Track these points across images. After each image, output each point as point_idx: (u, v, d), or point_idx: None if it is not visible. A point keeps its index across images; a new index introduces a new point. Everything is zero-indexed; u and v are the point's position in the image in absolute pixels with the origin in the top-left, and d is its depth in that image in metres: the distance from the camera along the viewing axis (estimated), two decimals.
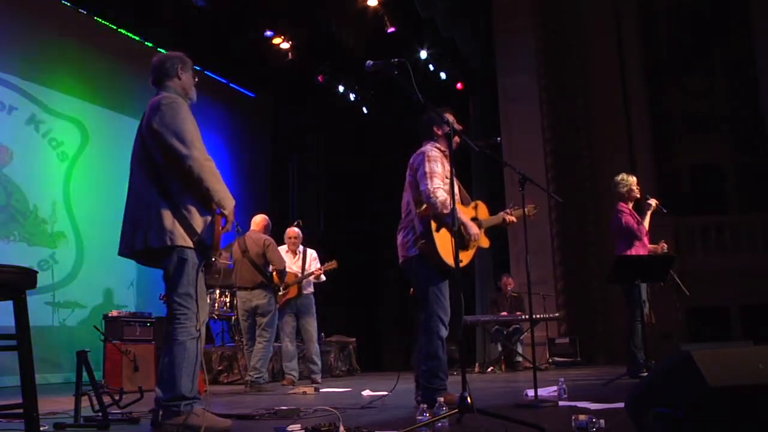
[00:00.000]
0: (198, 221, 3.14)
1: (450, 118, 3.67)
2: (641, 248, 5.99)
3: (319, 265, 6.99)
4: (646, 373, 5.25)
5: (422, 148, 3.97)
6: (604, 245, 10.20)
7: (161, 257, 3.15)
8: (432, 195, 3.71)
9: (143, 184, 3.18)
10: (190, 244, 3.12)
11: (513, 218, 4.21)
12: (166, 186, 3.13)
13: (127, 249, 3.19)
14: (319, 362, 6.85)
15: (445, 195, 3.70)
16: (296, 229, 7.11)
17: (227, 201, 3.21)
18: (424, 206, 3.79)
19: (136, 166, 3.27)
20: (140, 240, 3.11)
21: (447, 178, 3.82)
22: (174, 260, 3.13)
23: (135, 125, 3.37)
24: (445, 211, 3.67)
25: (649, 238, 6.15)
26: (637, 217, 6.10)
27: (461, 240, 3.86)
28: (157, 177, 3.14)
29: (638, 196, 6.18)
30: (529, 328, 4.95)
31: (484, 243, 4.11)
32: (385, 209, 10.31)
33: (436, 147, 3.96)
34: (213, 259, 3.25)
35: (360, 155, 13.80)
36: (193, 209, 3.14)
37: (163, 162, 3.14)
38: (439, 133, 3.98)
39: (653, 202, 6.13)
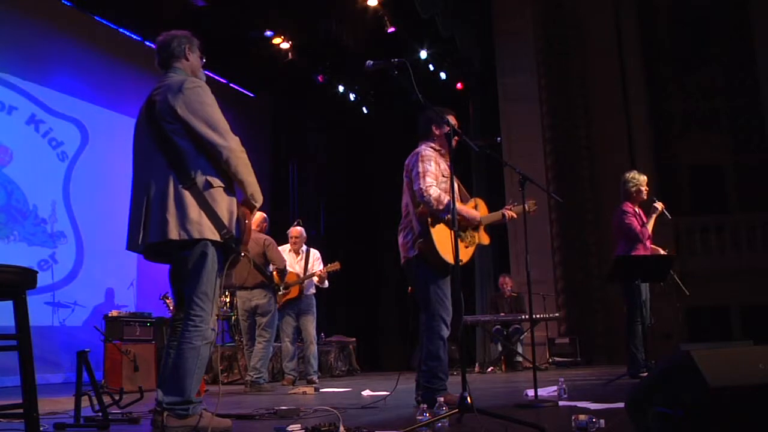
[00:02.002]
0: (224, 212, 2.94)
1: (452, 120, 3.68)
2: (642, 251, 5.90)
3: (322, 266, 6.96)
4: (646, 373, 5.24)
5: (417, 149, 3.98)
6: (604, 245, 10.21)
7: (179, 251, 2.92)
8: (425, 193, 3.72)
9: (158, 171, 2.92)
10: (218, 237, 2.90)
11: (513, 214, 4.19)
12: (189, 173, 2.90)
13: (140, 241, 2.90)
14: (316, 363, 6.84)
15: (438, 191, 3.73)
16: (299, 229, 7.09)
17: (259, 195, 3.07)
18: (421, 206, 3.79)
19: (145, 151, 3.01)
20: (156, 232, 2.85)
21: (443, 176, 3.83)
22: (196, 254, 2.90)
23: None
24: (441, 207, 3.69)
25: (652, 242, 6.09)
26: (643, 218, 5.98)
27: (461, 226, 3.88)
28: (178, 163, 2.91)
29: (645, 197, 6.04)
30: (529, 328, 4.95)
31: (485, 240, 4.12)
32: (385, 209, 10.31)
33: (431, 147, 3.96)
34: (243, 255, 3.04)
35: (360, 155, 13.81)
36: (220, 198, 2.94)
37: (190, 149, 2.93)
38: (438, 132, 3.98)
39: (659, 205, 5.96)
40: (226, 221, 2.94)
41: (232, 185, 3.04)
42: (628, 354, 5.85)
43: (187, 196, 2.88)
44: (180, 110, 2.92)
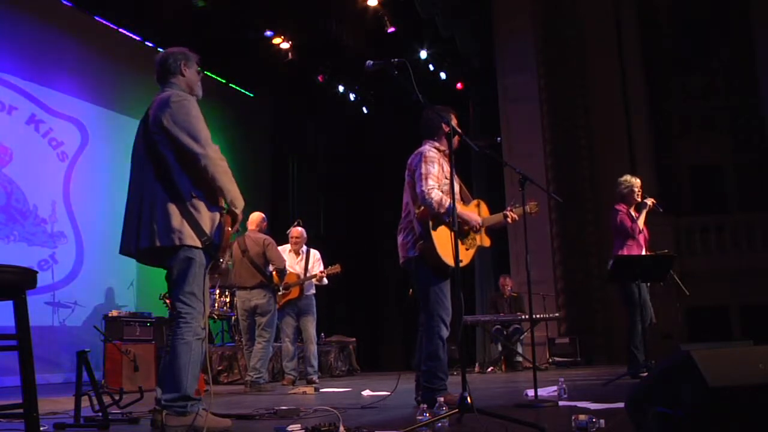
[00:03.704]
0: (206, 220, 3.09)
1: (453, 120, 3.67)
2: (635, 248, 5.99)
3: (322, 266, 6.96)
4: (646, 373, 5.24)
5: (420, 149, 3.96)
6: (604, 245, 10.19)
7: (166, 256, 3.09)
8: (427, 196, 3.72)
9: (148, 181, 3.11)
10: (198, 244, 3.06)
11: (515, 215, 4.18)
12: (174, 183, 3.07)
13: (129, 247, 3.12)
14: (316, 363, 6.83)
15: (441, 194, 3.72)
16: (300, 229, 7.08)
17: (239, 201, 3.18)
18: (422, 208, 3.78)
19: (139, 162, 3.19)
20: (145, 238, 3.04)
21: (446, 178, 3.81)
22: (180, 259, 3.07)
23: (135, 125, 3.32)
24: (442, 210, 3.69)
25: (647, 237, 6.14)
26: (635, 216, 6.10)
27: (462, 230, 3.87)
28: (164, 174, 3.08)
29: (639, 199, 6.13)
30: (529, 328, 4.95)
31: (486, 242, 4.11)
32: (384, 209, 10.34)
33: (435, 147, 3.95)
34: (221, 260, 3.20)
35: (360, 155, 13.81)
36: (202, 207, 3.09)
37: (174, 160, 3.08)
38: (446, 129, 3.96)
39: (649, 201, 6.14)
40: (207, 229, 3.10)
41: (216, 194, 3.16)
42: (628, 354, 5.87)
43: (171, 205, 3.06)
44: (165, 121, 3.10)
